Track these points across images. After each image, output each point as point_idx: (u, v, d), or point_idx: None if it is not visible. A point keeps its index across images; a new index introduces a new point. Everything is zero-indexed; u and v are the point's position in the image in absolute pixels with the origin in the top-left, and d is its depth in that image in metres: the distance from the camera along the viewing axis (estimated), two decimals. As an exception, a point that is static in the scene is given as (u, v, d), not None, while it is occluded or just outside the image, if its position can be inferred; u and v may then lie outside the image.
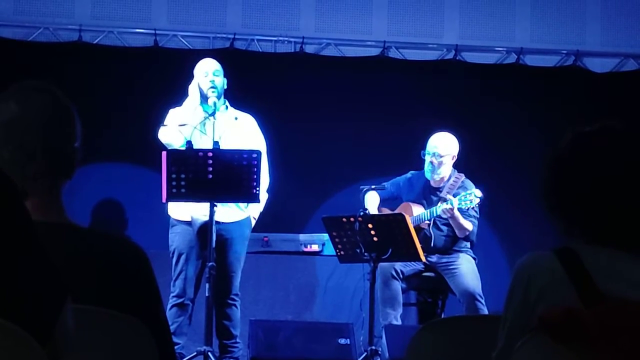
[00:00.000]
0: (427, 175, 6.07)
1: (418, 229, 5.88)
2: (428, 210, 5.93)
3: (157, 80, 7.18)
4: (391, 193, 6.21)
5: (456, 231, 5.91)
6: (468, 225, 5.88)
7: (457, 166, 6.16)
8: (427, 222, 5.95)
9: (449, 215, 5.78)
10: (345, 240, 5.49)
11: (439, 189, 6.06)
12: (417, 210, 6.01)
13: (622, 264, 2.00)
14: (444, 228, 5.97)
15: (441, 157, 6.00)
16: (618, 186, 2.04)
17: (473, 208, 5.80)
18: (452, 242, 5.99)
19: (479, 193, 5.74)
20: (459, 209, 5.76)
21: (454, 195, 5.96)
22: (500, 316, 2.12)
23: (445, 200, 5.93)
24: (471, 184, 6.04)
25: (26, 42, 7.42)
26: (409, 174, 6.24)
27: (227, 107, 5.61)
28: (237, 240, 5.50)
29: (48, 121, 1.98)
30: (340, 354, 5.65)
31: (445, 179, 6.05)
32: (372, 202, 6.11)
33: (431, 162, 6.01)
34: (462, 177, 6.09)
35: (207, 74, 5.53)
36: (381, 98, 7.61)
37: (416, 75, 7.70)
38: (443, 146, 6.02)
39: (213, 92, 5.47)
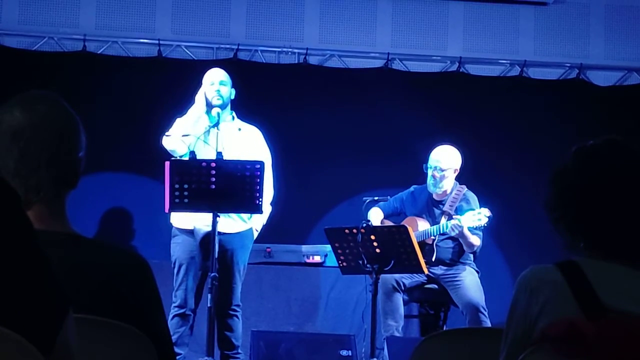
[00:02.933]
0: (430, 188, 6.06)
1: (423, 244, 5.87)
2: (435, 227, 5.91)
3: (161, 90, 7.20)
4: (395, 208, 6.21)
5: (465, 247, 5.90)
6: (476, 240, 5.87)
7: (460, 178, 6.15)
8: (433, 237, 5.94)
9: (457, 232, 5.76)
10: (348, 251, 5.48)
11: (441, 202, 6.05)
12: (422, 224, 6.00)
13: (625, 278, 2.00)
14: (449, 242, 5.96)
15: (443, 170, 5.99)
16: (621, 200, 2.04)
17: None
18: (456, 254, 5.97)
19: (487, 212, 5.72)
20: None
21: (457, 208, 5.95)
22: (502, 329, 2.12)
23: (448, 214, 5.93)
24: (473, 195, 6.04)
25: (31, 52, 7.44)
26: (411, 188, 6.23)
27: (233, 117, 5.61)
28: (238, 251, 5.50)
29: (53, 131, 1.98)
30: (342, 366, 5.64)
31: (448, 192, 6.05)
32: (375, 218, 6.11)
33: (433, 176, 6.00)
34: (464, 188, 6.08)
35: (214, 83, 5.54)
36: (384, 110, 7.61)
37: (420, 87, 7.71)
38: (445, 160, 6.00)
39: (218, 99, 5.48)
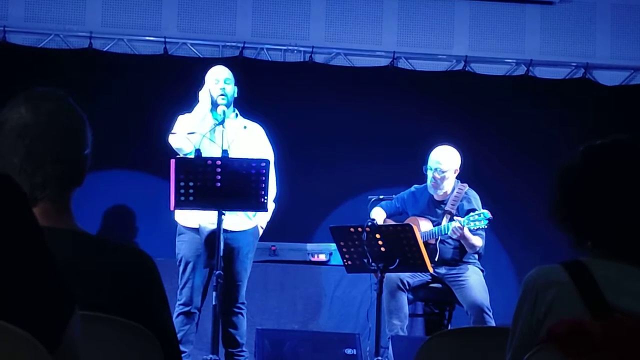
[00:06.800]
0: (430, 190, 6.02)
1: (426, 244, 5.85)
2: (437, 228, 5.89)
3: (167, 88, 7.20)
4: (396, 208, 6.20)
5: (467, 249, 5.89)
6: (477, 241, 5.85)
7: (466, 178, 6.13)
8: (435, 238, 5.92)
9: (458, 235, 5.75)
10: (353, 250, 5.47)
11: (443, 202, 6.03)
12: (424, 224, 5.98)
13: (632, 278, 2.00)
14: (451, 241, 5.94)
15: (443, 172, 5.94)
16: (628, 200, 2.03)
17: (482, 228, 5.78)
18: (459, 254, 5.96)
19: (488, 214, 5.71)
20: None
21: (458, 207, 5.94)
22: (508, 328, 2.12)
23: (450, 213, 5.92)
24: (475, 194, 6.02)
25: (37, 49, 7.45)
26: (412, 188, 6.21)
27: (236, 115, 5.61)
28: (244, 249, 5.50)
29: (58, 128, 1.98)
30: (347, 364, 5.64)
31: (449, 192, 6.01)
32: (378, 218, 6.08)
33: (434, 178, 5.96)
34: (466, 187, 6.05)
35: (218, 81, 5.53)
36: (390, 108, 7.60)
37: (425, 86, 7.70)
38: (445, 161, 5.96)
39: (223, 99, 5.47)
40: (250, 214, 5.51)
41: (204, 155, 5.19)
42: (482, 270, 5.99)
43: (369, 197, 6.26)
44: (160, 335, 1.95)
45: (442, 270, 5.93)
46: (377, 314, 5.41)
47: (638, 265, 2.01)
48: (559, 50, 7.91)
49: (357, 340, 5.73)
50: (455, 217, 5.85)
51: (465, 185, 6.07)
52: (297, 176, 7.14)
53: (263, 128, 5.71)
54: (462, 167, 6.05)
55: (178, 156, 5.33)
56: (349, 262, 5.54)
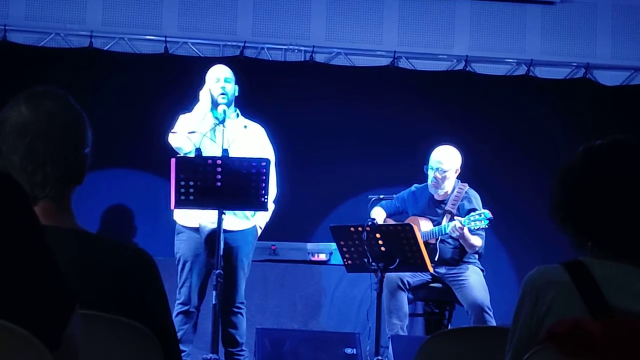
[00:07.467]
0: (431, 190, 6.01)
1: (426, 244, 5.85)
2: (437, 228, 5.89)
3: (167, 87, 7.20)
4: (396, 208, 6.19)
5: (466, 248, 5.88)
6: (477, 241, 5.85)
7: (465, 178, 6.13)
8: (435, 238, 5.92)
9: (458, 234, 5.75)
10: (353, 249, 5.47)
11: (443, 202, 6.03)
12: (425, 224, 5.98)
13: (632, 278, 2.00)
14: (451, 241, 5.94)
15: (445, 172, 5.94)
16: (628, 200, 2.03)
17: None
18: (459, 254, 5.96)
19: (488, 214, 5.70)
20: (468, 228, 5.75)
21: (459, 207, 5.94)
22: (508, 328, 2.12)
23: (450, 213, 5.91)
24: (475, 194, 6.02)
25: (37, 48, 7.45)
26: (412, 188, 6.20)
27: (237, 114, 5.61)
28: (242, 249, 5.50)
29: (59, 127, 1.98)
30: (347, 364, 5.64)
31: (449, 192, 6.01)
32: (378, 218, 6.07)
33: (435, 177, 5.96)
34: (466, 186, 6.05)
35: (219, 80, 5.53)
36: (390, 108, 7.60)
37: (426, 86, 7.70)
38: (447, 161, 5.96)
39: (223, 98, 5.48)
40: (249, 213, 5.51)
41: (204, 154, 5.19)
42: (482, 270, 5.98)
43: (369, 196, 6.25)
44: (160, 334, 1.95)
45: (442, 269, 5.93)
46: (377, 313, 5.41)
47: (638, 266, 2.01)
48: (559, 50, 7.91)
49: (357, 340, 5.73)
50: (455, 217, 5.84)
51: (466, 185, 6.06)
52: (297, 176, 7.14)
53: (263, 128, 5.71)
54: (463, 167, 6.05)
55: (178, 155, 5.33)
56: (349, 262, 5.54)
